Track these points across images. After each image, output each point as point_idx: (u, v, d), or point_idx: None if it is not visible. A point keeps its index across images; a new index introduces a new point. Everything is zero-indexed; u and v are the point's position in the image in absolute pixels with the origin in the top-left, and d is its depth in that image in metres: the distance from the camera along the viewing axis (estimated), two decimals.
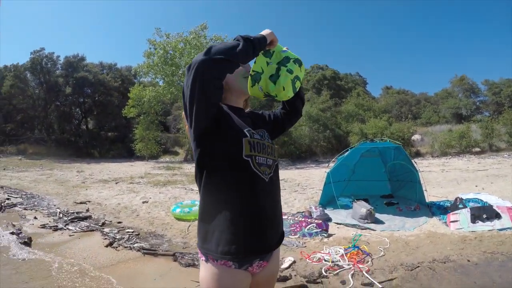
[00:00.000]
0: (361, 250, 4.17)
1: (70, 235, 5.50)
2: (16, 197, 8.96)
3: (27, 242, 4.98)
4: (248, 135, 1.34)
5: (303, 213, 5.94)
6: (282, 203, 6.70)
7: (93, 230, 5.73)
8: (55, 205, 7.88)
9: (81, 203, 8.03)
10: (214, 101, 1.27)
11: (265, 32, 1.35)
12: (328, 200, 6.78)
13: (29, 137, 30.03)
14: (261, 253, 1.36)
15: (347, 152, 7.05)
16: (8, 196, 9.11)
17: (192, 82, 1.20)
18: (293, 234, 5.09)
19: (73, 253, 4.61)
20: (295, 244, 4.66)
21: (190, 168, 16.49)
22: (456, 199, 5.97)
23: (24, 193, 9.63)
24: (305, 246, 4.58)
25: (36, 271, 3.96)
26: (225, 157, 1.30)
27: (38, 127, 31.83)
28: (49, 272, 3.93)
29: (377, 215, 5.77)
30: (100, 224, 6.09)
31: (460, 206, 5.59)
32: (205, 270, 1.33)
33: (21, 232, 5.42)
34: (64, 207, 7.56)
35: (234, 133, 1.32)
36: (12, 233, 5.40)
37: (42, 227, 5.94)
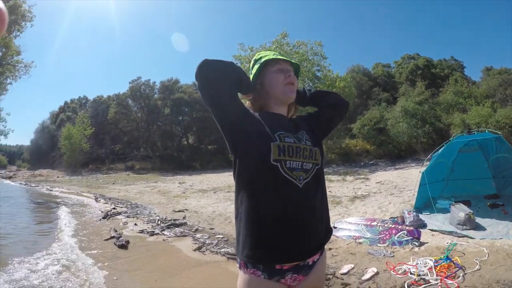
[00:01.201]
0: (453, 263, 3.60)
1: (164, 240, 5.98)
2: (122, 207, 10.09)
3: (124, 245, 5.59)
4: (277, 139, 1.29)
5: (396, 219, 5.44)
6: (376, 207, 6.31)
7: (185, 236, 6.10)
8: (155, 213, 8.63)
9: (179, 211, 8.65)
10: (222, 94, 1.29)
11: None
12: (425, 203, 6.11)
13: (135, 155, 34.09)
14: (288, 262, 1.27)
15: (442, 148, 6.32)
16: (115, 206, 10.32)
17: (199, 84, 1.28)
18: (381, 242, 4.69)
19: (162, 254, 5.11)
20: (382, 253, 4.29)
21: None
22: None
23: (129, 203, 10.79)
24: (393, 256, 4.18)
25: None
26: (254, 162, 1.28)
27: (143, 146, 35.76)
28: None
29: (479, 220, 4.98)
30: (193, 230, 6.47)
31: None
32: (239, 277, 1.33)
33: (120, 236, 6.07)
34: (163, 215, 8.24)
35: (262, 138, 1.29)
36: (113, 237, 6.11)
37: (140, 232, 6.57)
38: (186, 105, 35.07)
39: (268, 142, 1.27)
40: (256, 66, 1.45)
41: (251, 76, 1.47)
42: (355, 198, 8.21)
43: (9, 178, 33.01)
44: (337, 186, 10.75)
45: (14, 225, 8.15)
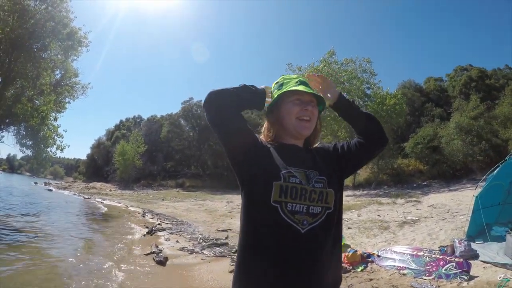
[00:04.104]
0: None
1: (202, 259, 6.02)
2: (167, 223, 10.40)
3: (162, 261, 5.71)
4: (281, 178, 1.20)
5: (445, 249, 5.03)
6: (426, 234, 6.01)
7: (224, 256, 6.14)
8: (199, 232, 8.78)
9: (223, 230, 8.78)
10: (231, 127, 1.29)
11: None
12: (478, 230, 5.59)
13: (186, 173, 35.24)
14: None
15: (497, 169, 5.79)
16: (160, 222, 10.66)
17: (207, 116, 1.29)
18: (427, 274, 4.35)
19: (197, 274, 5.11)
20: (426, 287, 3.97)
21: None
22: None
23: (175, 220, 11.09)
24: None
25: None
26: (255, 200, 1.24)
27: (194, 164, 36.90)
28: None
29: None
30: (233, 251, 6.45)
31: None
32: None
33: (160, 253, 6.23)
34: (206, 234, 8.36)
35: (265, 175, 1.22)
36: (153, 252, 6.28)
37: (180, 250, 6.67)
38: None
39: (271, 181, 1.20)
40: (276, 92, 1.38)
41: (271, 100, 1.40)
42: (404, 224, 7.79)
43: (65, 188, 35.34)
44: (386, 210, 10.31)
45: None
